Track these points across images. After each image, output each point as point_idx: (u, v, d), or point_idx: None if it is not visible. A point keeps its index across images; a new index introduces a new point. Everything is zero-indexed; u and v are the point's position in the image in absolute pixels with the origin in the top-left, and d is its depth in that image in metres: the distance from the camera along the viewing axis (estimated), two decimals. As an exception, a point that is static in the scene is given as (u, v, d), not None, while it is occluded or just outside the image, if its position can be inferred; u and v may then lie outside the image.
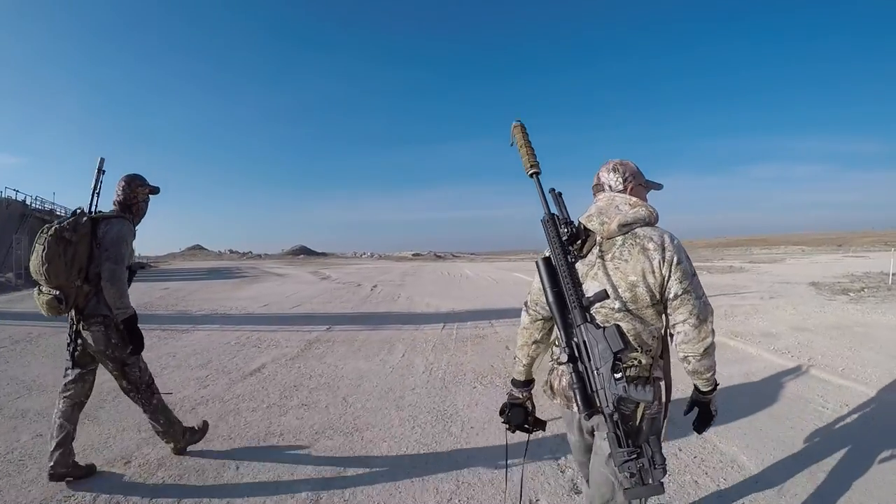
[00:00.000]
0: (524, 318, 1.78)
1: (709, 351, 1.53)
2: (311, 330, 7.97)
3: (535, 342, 1.77)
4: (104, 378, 4.94)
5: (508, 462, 2.09)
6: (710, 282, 15.70)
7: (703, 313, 1.52)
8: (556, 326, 1.51)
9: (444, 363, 5.72)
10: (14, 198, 28.39)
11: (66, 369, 2.76)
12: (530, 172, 1.55)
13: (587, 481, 1.78)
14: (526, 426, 1.77)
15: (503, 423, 1.78)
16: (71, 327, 2.71)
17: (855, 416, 3.89)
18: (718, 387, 1.68)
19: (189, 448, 3.12)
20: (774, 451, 3.26)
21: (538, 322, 1.75)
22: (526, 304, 1.77)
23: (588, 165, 1.81)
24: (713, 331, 1.54)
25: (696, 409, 1.74)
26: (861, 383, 4.64)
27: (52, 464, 2.62)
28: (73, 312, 2.68)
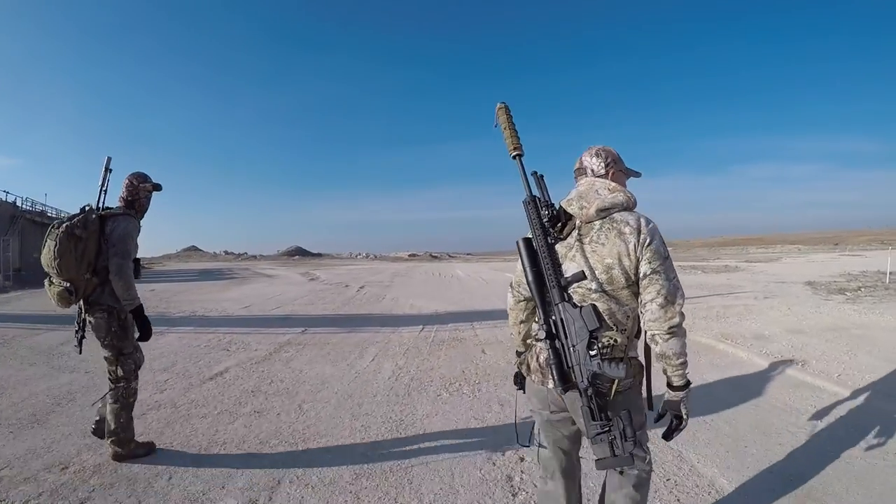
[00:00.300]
0: (509, 299, 1.84)
1: (675, 332, 1.52)
2: (286, 332, 7.73)
3: (521, 322, 1.83)
4: (61, 381, 4.85)
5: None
6: (703, 282, 15.38)
7: (672, 295, 1.52)
8: (536, 307, 1.56)
9: (414, 368, 5.42)
10: (4, 199, 27.95)
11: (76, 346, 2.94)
12: (513, 154, 1.60)
13: (558, 467, 1.82)
14: None
15: (518, 389, 1.90)
16: (79, 316, 2.87)
17: (851, 430, 3.51)
18: (691, 386, 1.63)
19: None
20: (759, 474, 2.88)
21: (521, 303, 1.80)
22: (511, 285, 1.83)
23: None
24: (682, 314, 1.53)
25: (668, 415, 1.69)
26: (858, 391, 4.26)
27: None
28: (81, 303, 2.83)
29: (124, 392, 2.90)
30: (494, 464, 3.02)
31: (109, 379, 2.92)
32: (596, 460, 1.41)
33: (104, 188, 2.90)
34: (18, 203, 30.36)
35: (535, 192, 1.59)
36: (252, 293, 15.37)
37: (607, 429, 1.36)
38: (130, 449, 2.95)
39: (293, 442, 3.37)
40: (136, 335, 2.93)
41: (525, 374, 1.80)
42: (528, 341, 1.81)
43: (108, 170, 2.90)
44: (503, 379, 4.92)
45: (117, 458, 2.92)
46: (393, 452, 3.19)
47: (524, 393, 1.87)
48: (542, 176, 1.61)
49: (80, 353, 2.90)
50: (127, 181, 2.97)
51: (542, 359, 1.67)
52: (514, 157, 1.60)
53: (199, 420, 3.76)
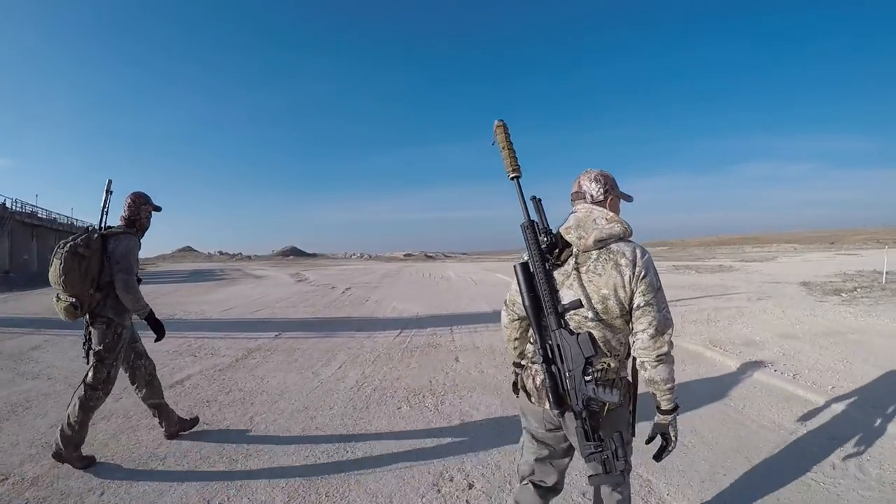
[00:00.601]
0: (504, 317, 1.87)
1: (663, 359, 1.57)
2: (258, 337, 7.49)
3: (514, 339, 1.85)
4: (23, 388, 4.86)
5: None
6: (696, 282, 15.04)
7: (662, 326, 1.57)
8: (531, 328, 1.64)
9: (380, 377, 5.12)
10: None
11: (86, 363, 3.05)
12: (511, 176, 1.64)
13: (538, 480, 1.82)
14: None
15: (517, 395, 1.84)
16: (86, 328, 3.01)
17: (845, 455, 3.14)
18: (679, 410, 1.67)
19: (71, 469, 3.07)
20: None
21: (515, 322, 1.83)
22: (505, 303, 1.85)
23: (584, 167, 1.85)
24: (670, 342, 1.59)
25: (658, 437, 1.72)
26: (854, 407, 3.90)
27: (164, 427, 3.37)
28: (87, 316, 2.98)
29: (89, 395, 2.97)
30: (440, 491, 2.77)
31: (83, 379, 3.00)
32: (589, 476, 1.52)
33: (106, 209, 3.03)
34: (8, 204, 29.94)
35: (534, 216, 1.63)
36: (237, 295, 15.11)
37: (600, 449, 1.45)
38: (70, 454, 2.94)
39: (235, 458, 3.17)
40: (154, 337, 3.20)
41: (522, 391, 1.80)
42: (524, 362, 1.80)
43: (108, 192, 3.03)
44: (470, 391, 4.59)
45: (58, 458, 2.94)
46: (333, 476, 2.94)
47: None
48: (540, 200, 1.65)
49: (88, 363, 3.00)
50: (130, 200, 3.12)
51: (538, 381, 1.67)
52: (513, 179, 1.64)
53: (146, 432, 3.58)
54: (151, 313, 3.13)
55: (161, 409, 3.37)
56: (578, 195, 1.76)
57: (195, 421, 3.61)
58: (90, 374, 2.96)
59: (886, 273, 13.77)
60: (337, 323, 8.99)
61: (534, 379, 1.69)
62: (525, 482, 1.85)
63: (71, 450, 2.91)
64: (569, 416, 1.54)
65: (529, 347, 1.76)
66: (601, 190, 1.72)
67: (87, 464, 2.97)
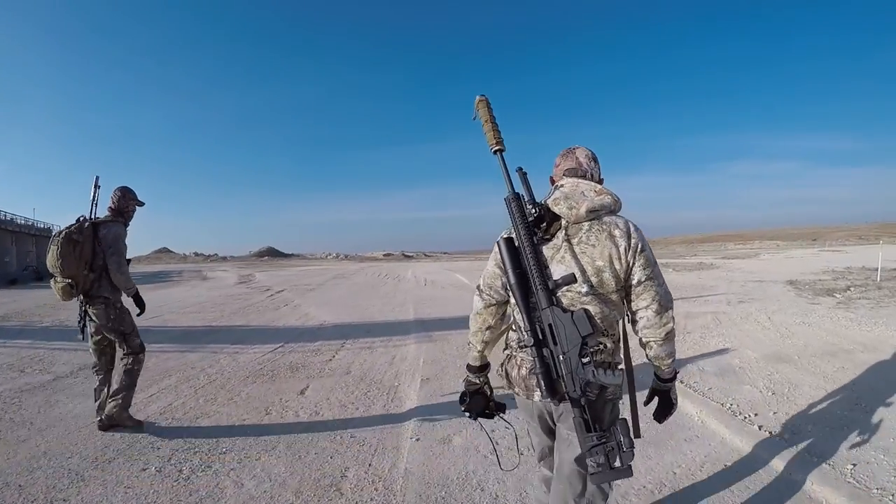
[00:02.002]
0: (477, 302, 1.63)
1: (669, 336, 1.51)
2: None
3: (488, 328, 1.63)
4: None
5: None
6: (671, 281, 13.27)
7: (665, 301, 1.50)
8: (515, 310, 1.53)
9: (181, 412, 3.75)
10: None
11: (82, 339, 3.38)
12: (494, 149, 1.52)
13: (550, 472, 1.71)
14: (487, 411, 1.69)
15: (464, 411, 1.68)
16: (80, 307, 3.28)
17: None
18: (678, 374, 1.68)
19: None
20: None
21: (492, 307, 1.61)
22: (479, 287, 1.64)
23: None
24: (674, 318, 1.52)
25: (656, 399, 1.67)
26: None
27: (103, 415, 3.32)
28: (81, 296, 3.25)
29: (134, 361, 3.30)
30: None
31: (121, 358, 3.31)
32: (591, 474, 1.29)
33: (95, 201, 3.29)
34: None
35: (519, 189, 1.50)
36: (164, 298, 13.71)
37: (604, 440, 1.28)
38: (121, 416, 3.27)
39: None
40: (138, 312, 3.50)
41: (506, 388, 1.64)
42: (507, 352, 1.64)
43: (97, 186, 3.29)
44: (267, 450, 2.84)
45: (102, 428, 3.26)
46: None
47: (472, 419, 1.69)
48: (525, 173, 1.53)
49: (83, 339, 3.31)
50: (119, 193, 3.40)
51: (524, 370, 1.54)
52: (496, 153, 1.51)
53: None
54: (138, 293, 3.44)
55: (123, 395, 3.37)
56: (574, 171, 1.63)
57: (140, 423, 3.47)
58: (126, 346, 3.29)
59: (881, 270, 12.26)
60: (220, 333, 7.47)
61: (519, 369, 1.55)
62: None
63: (125, 409, 3.27)
64: (564, 405, 1.39)
65: (513, 335, 1.62)
66: (598, 170, 1.65)
67: (138, 424, 3.33)
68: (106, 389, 3.32)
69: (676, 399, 1.65)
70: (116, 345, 3.34)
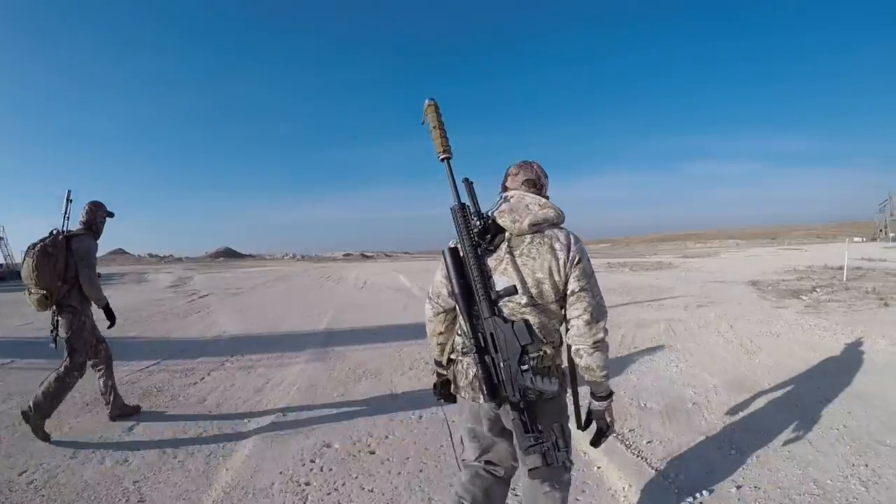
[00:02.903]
0: (428, 310, 1.69)
1: (599, 346, 1.49)
2: None
3: (439, 333, 1.67)
4: None
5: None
6: (626, 282, 12.34)
7: (597, 313, 1.50)
8: (460, 317, 1.55)
9: None
10: None
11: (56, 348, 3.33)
12: (442, 157, 1.52)
13: (491, 475, 1.68)
14: (451, 394, 1.74)
15: (438, 398, 1.73)
16: (53, 317, 3.26)
17: None
18: (613, 395, 1.59)
19: None
20: None
21: (441, 315, 1.65)
22: (429, 295, 1.69)
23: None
24: (605, 329, 1.51)
25: (594, 423, 1.63)
26: None
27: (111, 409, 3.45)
28: (54, 307, 3.23)
29: (67, 374, 3.20)
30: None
31: (62, 362, 3.21)
32: (529, 470, 1.37)
33: (67, 215, 3.29)
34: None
35: (465, 199, 1.51)
36: None
37: (540, 441, 1.34)
38: (36, 421, 3.10)
39: None
40: (108, 325, 3.44)
41: (454, 392, 1.65)
42: (453, 356, 1.64)
43: (69, 200, 3.30)
44: None
45: (24, 415, 3.12)
46: None
47: (444, 403, 1.74)
48: (472, 183, 1.52)
49: (56, 349, 3.22)
50: (88, 207, 3.41)
51: (471, 375, 1.55)
52: (443, 160, 1.52)
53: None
54: (108, 305, 3.40)
55: (114, 391, 3.44)
56: (532, 183, 1.64)
57: (137, 408, 3.64)
58: (69, 358, 3.20)
59: (847, 269, 11.56)
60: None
61: (466, 373, 1.58)
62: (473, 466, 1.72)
63: (38, 417, 3.09)
64: (505, 408, 1.42)
65: (458, 340, 1.62)
66: (547, 183, 1.68)
67: (45, 438, 3.12)
68: (112, 381, 3.44)
69: (613, 421, 1.61)
70: (67, 354, 3.28)
